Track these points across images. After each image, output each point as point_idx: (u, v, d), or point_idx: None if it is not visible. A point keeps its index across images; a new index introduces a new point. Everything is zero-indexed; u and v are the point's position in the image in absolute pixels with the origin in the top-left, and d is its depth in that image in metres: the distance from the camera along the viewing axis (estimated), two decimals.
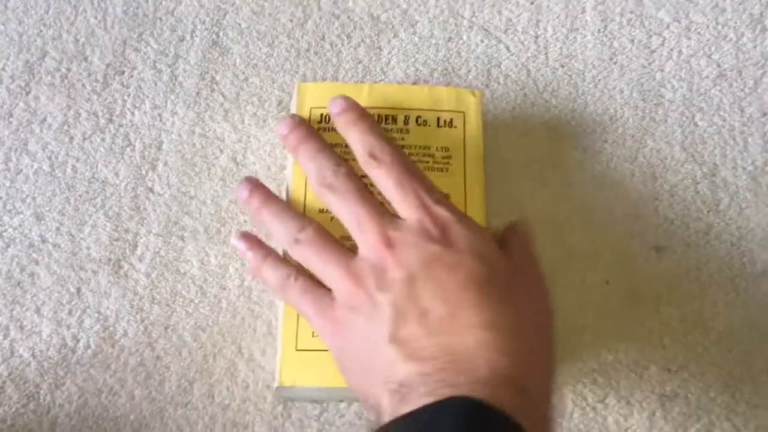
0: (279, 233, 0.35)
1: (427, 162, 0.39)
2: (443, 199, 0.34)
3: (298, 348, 0.35)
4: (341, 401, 0.38)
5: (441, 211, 0.32)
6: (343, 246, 0.34)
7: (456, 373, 0.28)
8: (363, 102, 0.38)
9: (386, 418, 0.28)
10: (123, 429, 0.36)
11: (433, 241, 0.31)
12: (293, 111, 0.40)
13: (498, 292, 0.30)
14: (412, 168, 0.35)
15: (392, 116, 0.40)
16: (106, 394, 0.37)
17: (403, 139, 0.39)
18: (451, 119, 0.40)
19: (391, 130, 0.39)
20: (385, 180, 0.34)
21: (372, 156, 0.34)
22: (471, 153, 0.40)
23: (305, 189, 0.37)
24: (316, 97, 0.40)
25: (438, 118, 0.40)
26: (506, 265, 0.32)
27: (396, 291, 0.30)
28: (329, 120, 0.38)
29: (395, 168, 0.34)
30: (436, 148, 0.39)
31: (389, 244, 0.31)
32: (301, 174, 0.37)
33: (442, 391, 0.27)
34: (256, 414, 0.37)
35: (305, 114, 0.40)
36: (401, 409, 0.27)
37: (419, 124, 0.40)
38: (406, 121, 0.40)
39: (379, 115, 0.39)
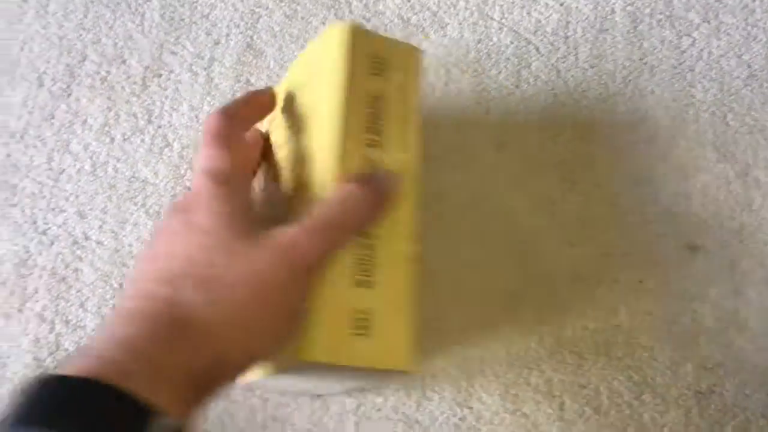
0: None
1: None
2: (217, 171, 0.31)
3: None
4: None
5: (206, 181, 0.31)
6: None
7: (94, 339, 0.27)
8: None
9: None
10: None
11: (174, 208, 0.31)
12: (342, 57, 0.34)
13: (191, 268, 0.29)
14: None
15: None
16: None
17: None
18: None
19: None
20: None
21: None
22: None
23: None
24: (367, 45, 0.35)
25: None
26: (228, 244, 0.30)
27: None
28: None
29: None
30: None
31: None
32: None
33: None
34: (295, 408, 0.38)
35: (359, 62, 0.34)
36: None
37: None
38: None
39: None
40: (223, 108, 0.33)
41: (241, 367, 0.29)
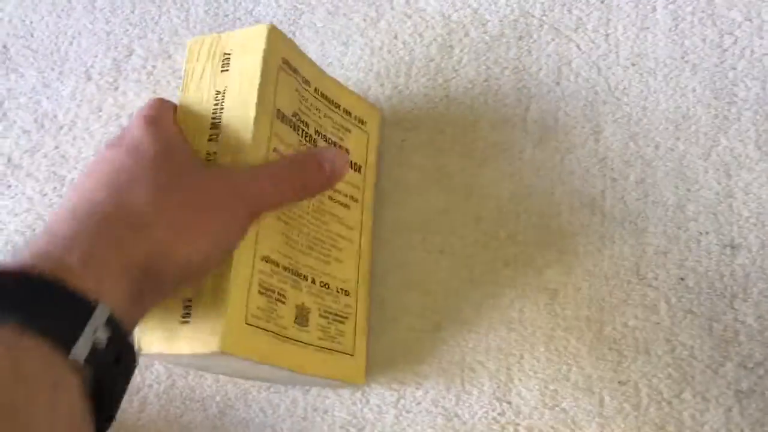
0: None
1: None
2: (151, 113, 0.34)
3: (247, 322, 0.33)
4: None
5: (136, 121, 0.33)
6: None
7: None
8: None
9: None
10: (209, 409, 0.38)
11: (108, 145, 0.33)
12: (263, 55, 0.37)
13: (131, 179, 0.30)
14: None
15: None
16: (192, 375, 0.39)
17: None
18: (363, 124, 0.43)
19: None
20: None
21: None
22: (370, 163, 0.43)
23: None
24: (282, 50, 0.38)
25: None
26: (174, 166, 0.32)
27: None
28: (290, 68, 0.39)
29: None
30: (350, 148, 0.42)
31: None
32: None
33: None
34: (335, 399, 0.38)
35: (274, 62, 0.37)
36: None
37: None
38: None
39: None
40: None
41: (177, 273, 0.30)
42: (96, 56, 0.48)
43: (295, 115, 0.38)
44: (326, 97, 0.41)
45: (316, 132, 0.39)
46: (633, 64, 0.47)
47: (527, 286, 0.41)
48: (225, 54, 0.37)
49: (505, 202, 0.44)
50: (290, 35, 0.48)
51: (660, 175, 0.44)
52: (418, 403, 0.39)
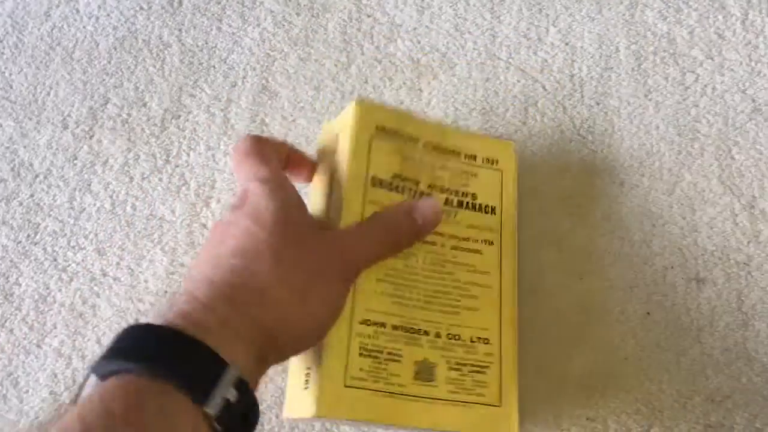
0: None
1: (470, 204, 0.41)
2: (267, 175, 0.35)
3: (346, 384, 0.35)
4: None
5: (254, 183, 0.35)
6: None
7: (177, 298, 0.31)
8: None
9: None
10: None
11: (231, 208, 0.34)
12: (354, 129, 0.39)
13: (258, 247, 0.32)
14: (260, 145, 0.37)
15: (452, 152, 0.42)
16: None
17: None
18: (494, 163, 0.43)
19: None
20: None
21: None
22: (507, 201, 0.42)
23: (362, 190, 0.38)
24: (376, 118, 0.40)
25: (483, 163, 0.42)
26: (292, 233, 0.33)
27: (214, 230, 0.35)
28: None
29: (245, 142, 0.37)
30: (479, 192, 0.41)
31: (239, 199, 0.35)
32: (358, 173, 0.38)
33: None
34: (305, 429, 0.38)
35: (367, 132, 0.39)
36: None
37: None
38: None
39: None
40: (248, 134, 0.37)
41: (295, 339, 0.32)
42: (73, 105, 0.49)
43: (396, 176, 0.38)
44: (441, 148, 0.41)
45: (430, 186, 0.40)
46: (597, 103, 0.49)
47: None
48: (336, 134, 0.40)
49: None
50: (263, 81, 0.50)
51: (625, 211, 0.45)
52: None
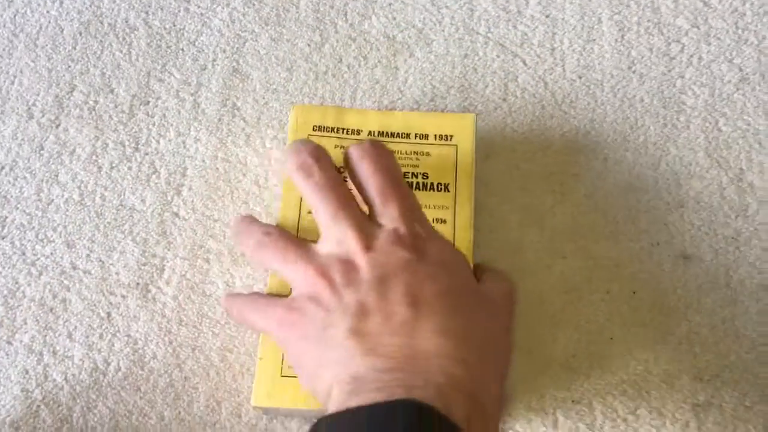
0: (245, 237, 0.35)
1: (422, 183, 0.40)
2: (422, 216, 0.34)
3: (282, 374, 0.36)
4: None
5: (418, 226, 0.33)
6: (307, 242, 0.34)
7: (412, 374, 0.28)
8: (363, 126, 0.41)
9: (332, 409, 0.28)
10: None
11: (408, 250, 0.31)
12: (290, 132, 0.42)
13: (462, 304, 0.31)
14: (400, 178, 0.35)
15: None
16: (136, 415, 0.38)
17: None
18: (448, 139, 0.41)
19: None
20: (369, 179, 0.34)
21: (362, 155, 0.34)
22: (462, 177, 0.40)
23: (299, 210, 0.39)
24: (312, 119, 0.42)
25: (435, 138, 0.41)
26: (474, 285, 0.33)
27: (364, 289, 0.30)
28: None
29: (381, 171, 0.34)
30: (430, 171, 0.40)
31: (367, 245, 0.32)
32: (293, 194, 0.39)
33: (395, 390, 0.27)
34: (282, 431, 0.37)
35: (303, 133, 0.41)
36: (350, 401, 0.27)
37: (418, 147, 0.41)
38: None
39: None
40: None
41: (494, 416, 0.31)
42: (38, 94, 0.48)
43: (339, 170, 0.37)
44: (387, 133, 0.41)
45: None
46: (580, 77, 0.47)
47: None
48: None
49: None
50: (233, 64, 0.48)
51: (609, 187, 0.43)
52: None
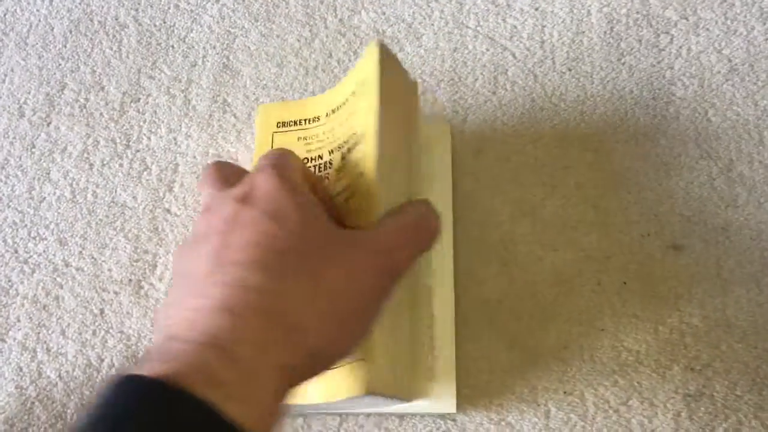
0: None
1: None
2: (286, 172, 0.29)
3: None
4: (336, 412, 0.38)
5: (261, 176, 0.28)
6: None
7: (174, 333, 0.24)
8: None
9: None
10: None
11: (235, 200, 0.27)
12: (257, 132, 0.40)
13: (283, 257, 0.26)
14: (285, 164, 0.30)
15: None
16: None
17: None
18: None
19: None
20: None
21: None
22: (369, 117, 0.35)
23: None
24: (276, 116, 0.40)
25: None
26: (318, 236, 0.28)
27: (186, 250, 0.28)
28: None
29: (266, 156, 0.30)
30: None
31: (208, 205, 0.29)
32: None
33: (154, 365, 0.23)
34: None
35: (268, 132, 0.40)
36: (137, 369, 0.24)
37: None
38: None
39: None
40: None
41: (326, 367, 0.27)
42: (29, 92, 0.48)
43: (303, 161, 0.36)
44: (336, 108, 0.38)
45: (331, 152, 0.36)
46: (569, 69, 0.47)
47: (468, 298, 0.41)
48: None
49: (444, 211, 0.43)
50: (223, 60, 0.48)
51: (599, 179, 0.44)
52: (361, 427, 0.38)
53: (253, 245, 0.25)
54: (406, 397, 0.35)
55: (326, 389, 0.31)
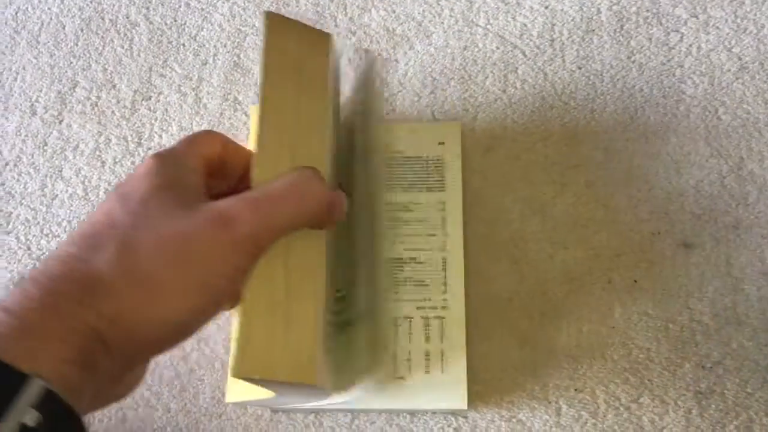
0: None
1: None
2: (159, 151, 0.30)
3: None
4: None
5: (141, 164, 0.29)
6: None
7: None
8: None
9: None
10: None
11: (114, 188, 0.29)
12: (251, 131, 0.39)
13: (111, 230, 0.27)
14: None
15: None
16: (143, 407, 0.38)
17: None
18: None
19: None
20: None
21: None
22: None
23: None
24: None
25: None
26: (158, 212, 0.28)
27: None
28: None
29: None
30: None
31: None
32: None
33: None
34: (288, 423, 0.38)
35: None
36: None
37: None
38: None
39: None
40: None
41: (149, 334, 0.27)
42: (41, 90, 0.48)
43: None
44: None
45: None
46: (579, 68, 0.47)
47: (478, 295, 0.41)
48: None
49: (454, 209, 0.43)
50: (234, 58, 0.48)
51: (610, 177, 0.44)
52: (373, 423, 0.38)
53: (89, 223, 0.27)
54: (320, 385, 0.30)
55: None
